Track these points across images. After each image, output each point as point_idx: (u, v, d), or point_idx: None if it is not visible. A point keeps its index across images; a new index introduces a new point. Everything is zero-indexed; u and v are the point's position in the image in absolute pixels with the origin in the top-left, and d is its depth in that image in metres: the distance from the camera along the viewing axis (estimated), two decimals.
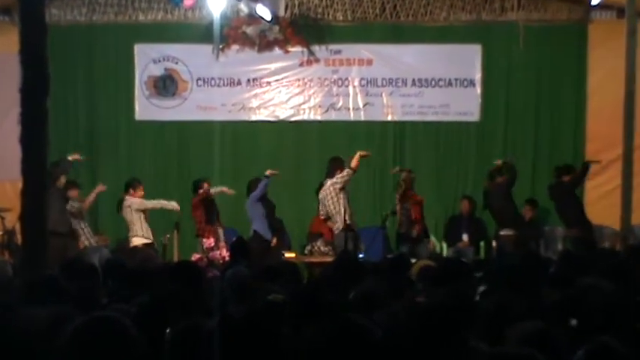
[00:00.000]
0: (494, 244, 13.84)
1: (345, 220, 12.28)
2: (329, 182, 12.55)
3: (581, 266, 7.32)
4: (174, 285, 5.68)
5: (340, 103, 15.30)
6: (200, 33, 14.91)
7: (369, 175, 14.34)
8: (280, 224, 13.71)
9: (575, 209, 13.51)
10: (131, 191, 13.15)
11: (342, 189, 12.48)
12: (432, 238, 14.14)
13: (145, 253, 12.63)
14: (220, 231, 13.25)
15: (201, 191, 13.06)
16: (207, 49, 15.00)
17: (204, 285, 6.59)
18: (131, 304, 5.22)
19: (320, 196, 12.63)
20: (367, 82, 15.26)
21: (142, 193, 13.22)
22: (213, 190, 13.29)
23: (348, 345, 3.34)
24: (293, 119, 15.38)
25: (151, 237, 13.06)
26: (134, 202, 13.04)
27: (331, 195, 12.46)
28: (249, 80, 15.31)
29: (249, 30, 14.90)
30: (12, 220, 12.72)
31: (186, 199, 13.62)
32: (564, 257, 8.10)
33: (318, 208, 12.74)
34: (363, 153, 12.73)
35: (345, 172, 12.47)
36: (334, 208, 12.41)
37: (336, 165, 12.78)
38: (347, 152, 13.61)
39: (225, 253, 12.13)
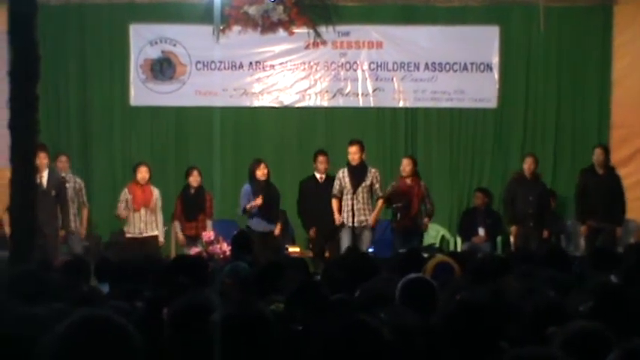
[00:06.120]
0: (512, 239, 13.81)
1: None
2: None
3: (609, 263, 7.33)
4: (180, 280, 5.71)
5: (348, 89, 15.26)
6: (199, 13, 14.84)
7: (378, 166, 14.22)
8: (284, 216, 13.68)
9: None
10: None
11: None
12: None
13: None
14: (208, 223, 13.45)
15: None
16: (207, 30, 14.94)
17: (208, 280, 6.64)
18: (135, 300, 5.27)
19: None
20: (377, 66, 15.22)
21: None
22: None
23: (358, 347, 3.34)
24: (298, 105, 15.34)
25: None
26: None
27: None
28: (251, 64, 15.27)
29: (252, 10, 14.84)
30: None
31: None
32: (593, 254, 8.12)
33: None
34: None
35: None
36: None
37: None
38: None
39: (225, 247, 12.12)
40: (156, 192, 13.29)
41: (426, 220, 13.13)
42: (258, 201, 12.85)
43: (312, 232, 13.15)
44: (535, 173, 13.47)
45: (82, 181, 13.51)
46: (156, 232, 13.22)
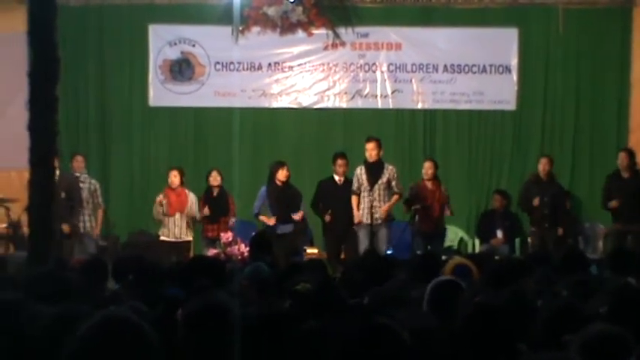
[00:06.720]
0: (530, 240, 13.79)
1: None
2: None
3: (628, 266, 7.30)
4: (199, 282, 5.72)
5: (367, 90, 15.25)
6: (219, 14, 14.86)
7: (396, 167, 14.20)
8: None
9: None
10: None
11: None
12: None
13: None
14: (232, 220, 13.46)
15: None
16: (226, 31, 14.95)
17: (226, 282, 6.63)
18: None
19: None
20: (396, 68, 15.21)
21: None
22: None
23: (377, 349, 3.34)
24: (317, 106, 15.33)
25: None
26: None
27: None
28: (270, 65, 15.28)
29: (271, 11, 14.85)
30: (18, 211, 12.77)
31: (202, 191, 13.63)
32: (612, 256, 8.08)
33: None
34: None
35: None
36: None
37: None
38: None
39: (243, 248, 12.11)
40: (191, 197, 13.29)
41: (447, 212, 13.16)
42: (272, 220, 12.85)
43: (327, 216, 13.03)
44: (550, 174, 13.45)
45: (97, 182, 13.51)
46: (190, 238, 13.29)
